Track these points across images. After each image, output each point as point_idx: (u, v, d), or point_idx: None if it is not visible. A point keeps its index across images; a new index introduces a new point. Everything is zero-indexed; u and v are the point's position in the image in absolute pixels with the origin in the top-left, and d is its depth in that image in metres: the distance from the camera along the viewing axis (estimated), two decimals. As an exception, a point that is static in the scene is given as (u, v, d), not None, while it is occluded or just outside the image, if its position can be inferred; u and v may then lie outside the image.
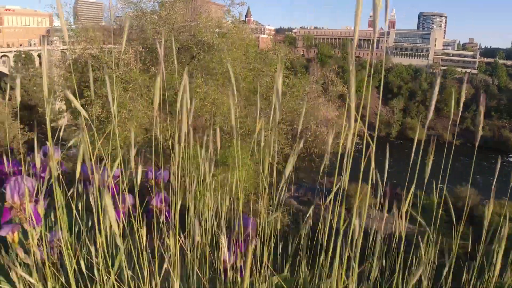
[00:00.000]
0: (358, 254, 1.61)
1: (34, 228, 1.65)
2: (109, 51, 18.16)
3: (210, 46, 16.51)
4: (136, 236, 1.78)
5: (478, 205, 49.03)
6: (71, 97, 1.40)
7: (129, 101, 15.54)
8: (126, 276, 1.65)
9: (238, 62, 17.61)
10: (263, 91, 19.89)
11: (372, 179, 1.56)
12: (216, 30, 17.48)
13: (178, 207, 1.86)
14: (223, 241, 1.86)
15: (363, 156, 1.40)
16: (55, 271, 1.74)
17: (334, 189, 1.84)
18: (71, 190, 1.94)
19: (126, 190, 2.06)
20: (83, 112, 1.31)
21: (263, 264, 1.85)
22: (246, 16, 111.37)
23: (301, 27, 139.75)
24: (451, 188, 68.45)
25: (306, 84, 21.92)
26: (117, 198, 2.04)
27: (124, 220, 1.94)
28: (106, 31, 23.05)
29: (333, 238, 1.56)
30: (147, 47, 18.00)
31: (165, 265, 1.77)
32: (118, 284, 1.66)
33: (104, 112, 15.85)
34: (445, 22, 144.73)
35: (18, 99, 1.53)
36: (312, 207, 2.13)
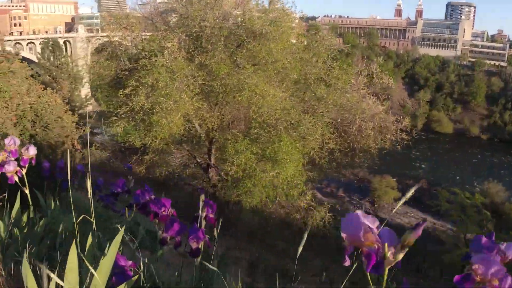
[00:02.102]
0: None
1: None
2: (150, 39, 17.41)
3: (260, 34, 15.58)
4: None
5: (505, 202, 47.41)
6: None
7: (176, 92, 14.78)
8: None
9: (288, 52, 16.69)
10: (309, 82, 18.96)
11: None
12: (263, 15, 16.51)
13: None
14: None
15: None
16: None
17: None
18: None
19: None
20: None
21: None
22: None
23: (325, 16, 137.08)
24: (479, 184, 66.56)
25: (351, 76, 20.84)
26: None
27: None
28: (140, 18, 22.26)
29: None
30: (191, 35, 17.17)
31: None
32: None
33: (148, 103, 15.14)
34: (474, 12, 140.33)
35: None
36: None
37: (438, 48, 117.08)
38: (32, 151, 3.09)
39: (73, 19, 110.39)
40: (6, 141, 3.00)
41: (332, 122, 20.55)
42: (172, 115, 15.38)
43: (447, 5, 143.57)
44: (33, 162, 3.08)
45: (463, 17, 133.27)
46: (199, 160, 21.48)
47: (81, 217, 2.70)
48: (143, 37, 18.68)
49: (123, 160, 19.79)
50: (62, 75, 49.76)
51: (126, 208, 3.78)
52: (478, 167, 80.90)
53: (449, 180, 72.13)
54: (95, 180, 7.39)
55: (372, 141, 21.46)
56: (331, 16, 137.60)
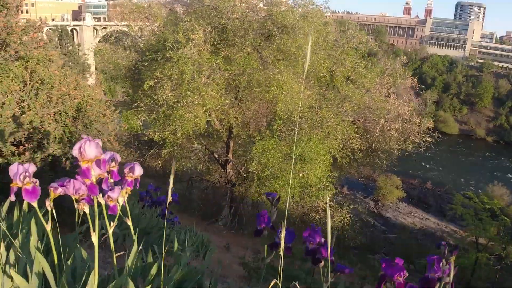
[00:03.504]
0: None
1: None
2: (175, 29, 16.69)
3: (291, 28, 14.90)
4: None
5: (509, 205, 46.90)
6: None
7: (203, 86, 14.13)
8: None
9: (318, 49, 16.04)
10: (337, 80, 18.34)
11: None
12: (294, 9, 15.86)
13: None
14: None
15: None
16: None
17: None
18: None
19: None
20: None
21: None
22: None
23: (332, 11, 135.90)
24: (483, 186, 66.15)
25: (376, 75, 20.21)
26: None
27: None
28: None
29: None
30: (216, 27, 16.46)
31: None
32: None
33: (173, 96, 14.50)
34: (484, 13, 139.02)
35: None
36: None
37: (446, 48, 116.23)
38: (138, 171, 2.39)
39: (80, 7, 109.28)
40: (104, 156, 2.31)
41: (356, 122, 19.98)
42: (197, 110, 14.75)
43: (456, 5, 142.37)
44: (138, 184, 2.39)
45: (472, 17, 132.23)
46: (216, 156, 20.92)
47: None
48: (163, 28, 17.99)
49: (139, 154, 19.17)
50: (70, 63, 49.12)
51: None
52: (482, 169, 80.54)
53: (453, 181, 71.83)
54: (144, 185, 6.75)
55: (395, 142, 20.92)
56: (338, 12, 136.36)
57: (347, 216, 18.94)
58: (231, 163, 20.27)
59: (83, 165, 1.74)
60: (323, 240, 2.21)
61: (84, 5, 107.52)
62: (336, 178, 18.52)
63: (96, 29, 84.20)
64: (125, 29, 26.96)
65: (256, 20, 15.94)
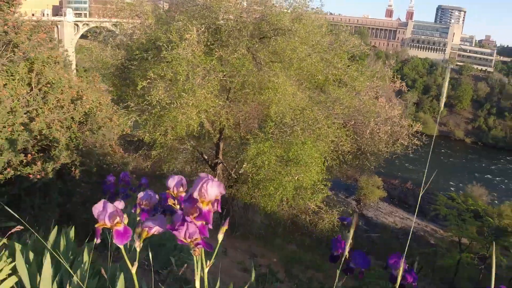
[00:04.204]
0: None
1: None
2: (167, 29, 16.39)
3: (286, 31, 14.81)
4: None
5: (488, 205, 48.01)
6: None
7: (197, 87, 13.89)
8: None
9: (313, 52, 16.00)
10: (329, 83, 18.35)
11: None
12: (287, 10, 15.76)
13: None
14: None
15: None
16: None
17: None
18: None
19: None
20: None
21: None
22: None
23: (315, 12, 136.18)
24: (462, 187, 67.67)
25: (367, 78, 20.31)
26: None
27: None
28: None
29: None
30: (209, 27, 16.24)
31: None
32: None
33: (167, 97, 14.22)
34: (464, 17, 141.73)
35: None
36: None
37: (427, 50, 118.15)
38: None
39: (61, 2, 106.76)
40: (170, 182, 2.17)
41: (346, 125, 20.05)
42: (190, 111, 14.52)
43: (437, 9, 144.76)
44: (218, 207, 2.23)
45: (452, 21, 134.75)
46: (205, 157, 20.68)
47: None
48: (155, 26, 17.66)
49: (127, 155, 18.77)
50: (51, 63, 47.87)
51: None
52: (462, 170, 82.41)
53: (433, 181, 73.21)
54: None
55: (384, 145, 21.10)
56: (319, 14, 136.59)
57: (336, 218, 19.02)
58: (221, 165, 20.07)
59: (204, 207, 1.57)
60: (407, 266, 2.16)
61: (65, 0, 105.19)
62: (330, 181, 18.57)
63: (77, 25, 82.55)
64: (108, 25, 26.41)
65: (250, 21, 15.79)
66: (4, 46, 5.09)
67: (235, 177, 19.04)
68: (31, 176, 4.58)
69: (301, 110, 16.76)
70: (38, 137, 4.99)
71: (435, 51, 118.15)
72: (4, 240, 2.67)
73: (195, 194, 1.54)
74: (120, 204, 1.70)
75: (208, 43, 16.12)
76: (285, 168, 14.62)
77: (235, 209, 20.23)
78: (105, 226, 1.64)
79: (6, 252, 2.56)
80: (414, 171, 75.78)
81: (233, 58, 15.18)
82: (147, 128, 16.56)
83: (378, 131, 20.67)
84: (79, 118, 5.68)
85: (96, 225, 1.65)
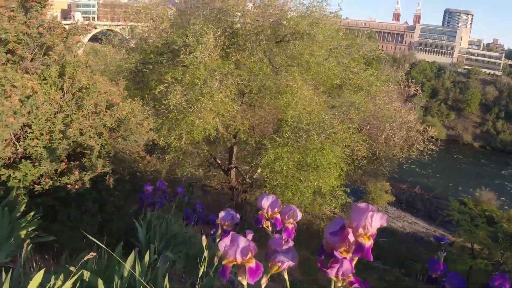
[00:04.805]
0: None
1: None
2: (184, 33, 16.26)
3: (304, 35, 14.64)
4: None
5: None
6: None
7: (215, 91, 13.74)
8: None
9: (331, 56, 15.83)
10: (346, 88, 18.16)
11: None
12: (307, 15, 15.57)
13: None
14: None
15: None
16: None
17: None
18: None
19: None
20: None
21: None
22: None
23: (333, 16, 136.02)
24: (471, 191, 67.08)
25: (383, 82, 20.09)
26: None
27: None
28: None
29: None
30: (225, 31, 16.11)
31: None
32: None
33: (184, 102, 14.07)
34: (471, 21, 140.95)
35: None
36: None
37: (434, 54, 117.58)
38: (299, 215, 2.08)
39: (69, 5, 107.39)
40: (264, 203, 2.00)
41: (361, 129, 19.84)
42: (207, 115, 14.36)
43: (445, 12, 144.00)
44: (295, 230, 2.08)
45: (460, 24, 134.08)
46: (219, 161, 20.53)
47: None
48: (170, 30, 17.55)
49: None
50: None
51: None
52: (470, 174, 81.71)
53: (442, 186, 72.70)
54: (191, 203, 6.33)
55: (399, 150, 20.85)
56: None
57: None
58: (234, 169, 19.91)
59: (366, 242, 1.37)
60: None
61: (74, 3, 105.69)
62: (348, 187, 18.35)
63: (86, 28, 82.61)
64: (116, 29, 26.35)
65: (267, 25, 15.63)
66: (37, 49, 4.93)
67: (250, 182, 18.86)
68: (69, 186, 4.41)
69: (316, 114, 16.59)
70: (71, 144, 4.81)
71: (442, 55, 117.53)
72: (72, 268, 2.48)
73: (356, 227, 1.34)
74: (250, 236, 1.50)
75: (224, 47, 15.99)
76: (303, 174, 14.41)
77: (249, 214, 20.04)
78: (235, 263, 1.42)
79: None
80: (422, 176, 75.18)
81: (250, 62, 15.04)
82: (162, 132, 16.43)
83: (393, 136, 20.42)
84: (111, 124, 5.50)
85: (223, 262, 1.44)
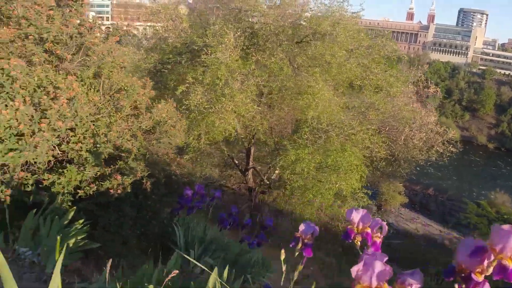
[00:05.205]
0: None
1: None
2: (203, 33, 16.18)
3: (325, 35, 14.48)
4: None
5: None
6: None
7: (236, 92, 13.65)
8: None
9: (352, 57, 15.65)
10: (366, 89, 17.94)
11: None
12: (329, 15, 15.39)
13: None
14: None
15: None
16: None
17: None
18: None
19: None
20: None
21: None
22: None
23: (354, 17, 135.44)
24: (485, 193, 66.18)
25: (402, 83, 19.82)
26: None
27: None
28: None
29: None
30: (245, 31, 16.01)
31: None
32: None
33: (205, 102, 14.00)
34: (486, 20, 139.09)
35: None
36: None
37: (449, 54, 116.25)
38: (385, 228, 1.97)
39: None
40: (354, 216, 1.91)
41: (381, 131, 19.61)
42: (228, 116, 14.28)
43: (459, 12, 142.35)
44: (379, 245, 1.98)
45: (474, 24, 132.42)
46: (236, 162, 20.45)
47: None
48: (190, 30, 17.50)
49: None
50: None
51: None
52: (484, 176, 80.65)
53: (456, 187, 71.91)
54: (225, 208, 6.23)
55: (418, 152, 20.58)
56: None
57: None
58: (251, 170, 19.81)
59: (510, 264, 1.26)
60: None
61: (87, 4, 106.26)
62: (370, 189, 18.17)
63: (101, 29, 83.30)
64: (131, 29, 26.31)
65: (287, 25, 15.49)
66: (75, 49, 4.86)
67: (268, 182, 18.75)
68: (111, 191, 4.34)
69: (336, 115, 16.43)
70: (113, 147, 4.72)
71: (457, 55, 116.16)
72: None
73: (502, 249, 1.22)
74: (384, 258, 1.39)
75: (244, 47, 15.89)
76: (323, 175, 14.26)
77: (265, 214, 19.92)
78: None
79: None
80: (436, 177, 74.36)
81: (270, 62, 14.93)
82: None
83: (412, 137, 20.17)
84: (146, 127, 5.42)
85: (355, 287, 1.33)
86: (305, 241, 2.39)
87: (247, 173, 19.77)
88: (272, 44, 15.17)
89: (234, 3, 16.70)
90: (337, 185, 14.03)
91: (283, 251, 2.46)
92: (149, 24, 19.31)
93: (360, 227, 1.95)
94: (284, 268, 2.48)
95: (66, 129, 4.06)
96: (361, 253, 2.10)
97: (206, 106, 13.89)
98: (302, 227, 2.45)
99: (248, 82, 14.19)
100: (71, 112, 4.04)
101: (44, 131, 3.74)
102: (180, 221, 5.65)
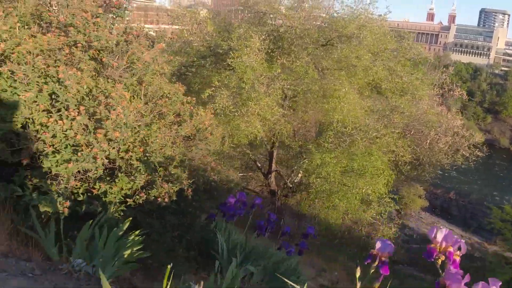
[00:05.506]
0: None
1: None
2: (228, 37, 16.21)
3: (355, 38, 14.35)
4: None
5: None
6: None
7: (262, 95, 13.63)
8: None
9: (378, 60, 15.50)
10: (392, 92, 17.73)
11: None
12: (356, 18, 15.24)
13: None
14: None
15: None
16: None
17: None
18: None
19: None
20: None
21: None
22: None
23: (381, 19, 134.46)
24: (508, 198, 64.72)
25: (428, 86, 19.52)
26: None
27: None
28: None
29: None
30: (270, 34, 15.99)
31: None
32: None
33: (231, 106, 14.01)
34: (508, 21, 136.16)
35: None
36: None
37: (470, 55, 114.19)
38: (464, 247, 1.94)
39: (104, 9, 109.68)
40: (438, 235, 1.86)
41: (406, 134, 19.36)
42: (253, 119, 14.26)
43: (480, 12, 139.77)
44: (458, 263, 1.97)
45: (496, 24, 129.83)
46: (259, 165, 20.42)
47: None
48: (214, 34, 17.57)
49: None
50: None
51: None
52: (506, 180, 78.99)
53: (477, 191, 70.59)
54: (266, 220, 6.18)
55: (444, 156, 20.23)
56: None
57: (392, 230, 18.49)
58: (274, 173, 19.75)
59: None
60: None
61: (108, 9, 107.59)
62: (396, 194, 17.95)
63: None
64: (151, 32, 26.60)
65: (312, 28, 15.42)
66: (119, 56, 4.88)
67: (291, 186, 18.67)
68: (158, 199, 4.34)
69: (361, 118, 16.27)
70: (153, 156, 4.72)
71: (479, 56, 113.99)
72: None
73: None
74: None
75: (269, 51, 15.87)
76: (349, 180, 14.12)
77: (287, 218, 19.85)
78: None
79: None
80: (458, 180, 73.08)
81: (296, 66, 14.87)
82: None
83: (437, 141, 19.85)
84: (186, 133, 5.42)
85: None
86: (382, 259, 2.34)
87: (269, 176, 19.72)
88: (298, 47, 15.10)
89: (258, 6, 16.70)
90: (363, 190, 13.89)
91: (358, 269, 2.42)
92: (175, 27, 19.45)
93: (443, 246, 1.92)
94: (358, 286, 2.44)
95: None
96: (440, 271, 2.06)
97: (232, 110, 13.90)
98: (378, 244, 2.40)
99: (274, 85, 14.15)
100: (125, 122, 4.06)
101: (101, 142, 3.76)
102: (218, 227, 5.64)
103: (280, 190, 18.78)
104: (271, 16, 15.85)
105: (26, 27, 5.10)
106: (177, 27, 18.60)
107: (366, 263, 2.41)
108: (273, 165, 19.55)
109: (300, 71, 14.64)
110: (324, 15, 16.02)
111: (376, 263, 2.32)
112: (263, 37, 15.57)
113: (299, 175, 18.60)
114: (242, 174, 21.80)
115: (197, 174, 5.35)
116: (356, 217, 16.27)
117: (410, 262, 29.65)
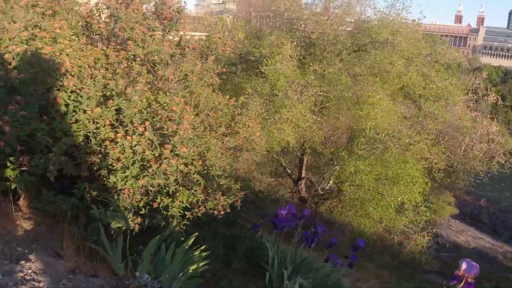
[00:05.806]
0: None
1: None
2: (260, 44, 16.28)
3: (389, 44, 14.21)
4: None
5: None
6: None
7: (296, 103, 13.62)
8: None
9: (411, 65, 15.30)
10: (426, 98, 17.44)
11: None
12: (389, 24, 15.08)
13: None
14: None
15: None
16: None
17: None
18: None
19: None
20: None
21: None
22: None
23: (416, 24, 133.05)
24: (536, 205, 62.35)
25: (462, 91, 19.09)
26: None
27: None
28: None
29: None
30: (302, 41, 15.99)
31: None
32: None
33: (264, 113, 14.05)
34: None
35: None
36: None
37: (500, 58, 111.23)
38: (476, 270, 2.00)
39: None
40: (464, 266, 1.93)
41: (439, 141, 18.97)
42: (286, 127, 14.26)
43: (509, 13, 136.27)
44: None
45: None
46: (289, 171, 20.39)
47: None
48: (246, 42, 17.68)
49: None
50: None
51: None
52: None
53: (509, 198, 68.47)
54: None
55: (479, 163, 19.71)
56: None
57: (426, 239, 18.12)
58: (304, 180, 19.68)
59: None
60: None
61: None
62: (431, 202, 17.63)
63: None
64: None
65: (344, 34, 15.35)
66: (176, 69, 4.96)
67: (322, 193, 18.55)
68: (215, 212, 4.38)
69: (394, 125, 16.06)
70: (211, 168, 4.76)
71: (509, 59, 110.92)
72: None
73: None
74: None
75: (301, 58, 15.87)
76: (384, 188, 13.93)
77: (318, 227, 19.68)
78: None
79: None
80: (489, 187, 71.02)
81: (328, 72, 14.81)
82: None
83: (472, 148, 19.36)
84: (234, 144, 5.47)
85: None
86: (469, 280, 2.31)
87: (299, 182, 19.66)
88: (330, 54, 15.05)
89: (289, 13, 16.73)
90: (399, 199, 13.68)
91: None
92: (197, 33, 19.70)
93: (466, 275, 2.03)
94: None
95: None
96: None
97: (265, 117, 13.93)
98: (464, 265, 2.37)
99: (307, 92, 14.13)
100: (191, 137, 4.11)
101: (169, 158, 3.83)
102: (265, 238, 5.66)
103: (311, 197, 18.68)
104: (301, 23, 15.84)
105: (76, 39, 5.26)
106: (202, 33, 18.78)
107: (451, 284, 2.38)
108: (303, 172, 19.48)
109: (332, 78, 14.58)
110: (355, 19, 15.92)
111: (462, 284, 2.30)
112: (295, 43, 15.60)
113: (330, 182, 18.47)
114: (272, 179, 21.82)
115: (244, 185, 5.37)
116: (389, 226, 16.00)
117: (441, 271, 28.94)
